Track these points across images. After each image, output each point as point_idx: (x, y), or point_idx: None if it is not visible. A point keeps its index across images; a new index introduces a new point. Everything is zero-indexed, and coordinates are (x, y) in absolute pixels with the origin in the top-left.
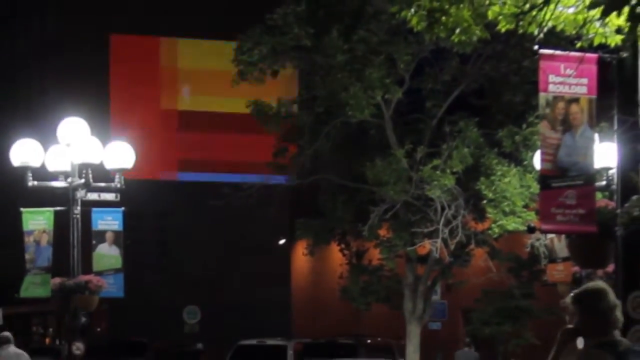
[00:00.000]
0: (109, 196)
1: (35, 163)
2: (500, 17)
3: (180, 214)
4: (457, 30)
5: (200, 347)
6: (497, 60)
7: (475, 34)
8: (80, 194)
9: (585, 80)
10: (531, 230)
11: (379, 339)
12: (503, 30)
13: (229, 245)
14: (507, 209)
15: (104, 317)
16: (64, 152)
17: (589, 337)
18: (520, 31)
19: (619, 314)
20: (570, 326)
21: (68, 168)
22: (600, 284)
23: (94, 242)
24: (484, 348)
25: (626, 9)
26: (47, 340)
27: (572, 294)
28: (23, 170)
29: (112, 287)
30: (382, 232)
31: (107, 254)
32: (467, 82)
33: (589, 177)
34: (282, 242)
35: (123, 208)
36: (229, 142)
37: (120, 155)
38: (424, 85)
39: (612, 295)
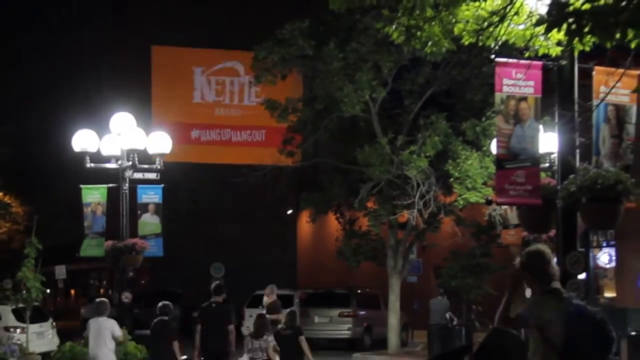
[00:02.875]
0: (151, 175)
1: (92, 149)
2: (464, 33)
3: (208, 190)
4: (430, 43)
5: (223, 296)
6: (461, 66)
7: (444, 46)
8: (128, 173)
9: (532, 83)
10: (489, 202)
11: (367, 289)
12: (466, 43)
13: (247, 215)
14: (469, 186)
15: (147, 273)
16: (115, 140)
17: (535, 288)
18: (480, 44)
19: (555, 267)
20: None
21: (118, 153)
22: (538, 246)
23: (139, 212)
24: (452, 297)
25: (564, 26)
26: (102, 290)
27: (520, 256)
28: (82, 154)
29: (153, 248)
30: (370, 204)
31: (150, 222)
32: (438, 84)
33: (535, 160)
34: (289, 212)
35: (162, 185)
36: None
37: (160, 142)
38: (403, 87)
39: (547, 254)
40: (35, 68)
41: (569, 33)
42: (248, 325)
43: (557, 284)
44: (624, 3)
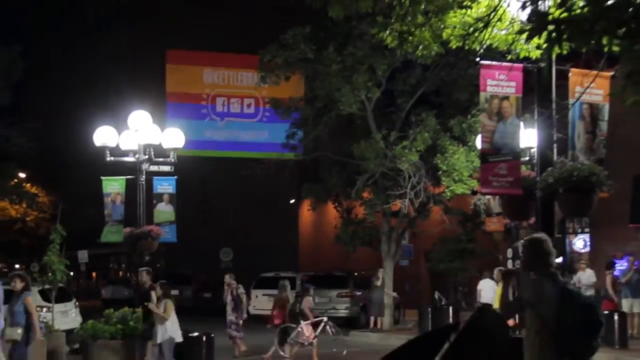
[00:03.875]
0: (166, 168)
1: (112, 144)
2: (452, 38)
3: (217, 181)
4: (420, 47)
5: None
6: (449, 68)
7: (433, 49)
8: (144, 166)
9: (513, 84)
10: (474, 193)
11: (363, 272)
12: (454, 46)
13: (254, 204)
14: (456, 178)
15: (162, 257)
16: (133, 135)
17: (535, 270)
18: (467, 47)
19: (553, 258)
20: (502, 268)
21: (136, 147)
22: (539, 234)
23: (154, 201)
24: (440, 280)
25: (544, 33)
26: (121, 273)
27: (523, 240)
28: (103, 149)
29: (167, 234)
30: (365, 194)
31: (164, 210)
32: (428, 85)
33: (516, 154)
34: (292, 201)
35: (176, 177)
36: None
37: (173, 138)
38: (396, 87)
39: (543, 242)
40: (60, 69)
41: (548, 40)
42: (255, 305)
43: (554, 270)
44: (598, 12)
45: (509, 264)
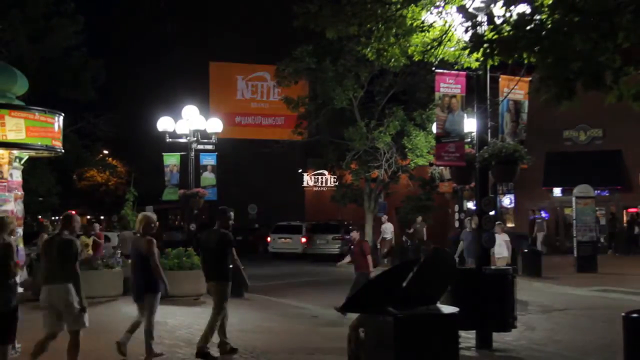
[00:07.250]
0: (209, 147)
1: (170, 129)
2: (415, 53)
3: (246, 156)
4: (392, 60)
5: (257, 226)
6: (413, 75)
7: (401, 61)
8: (193, 145)
9: (459, 86)
10: (431, 164)
11: (351, 221)
12: (416, 59)
13: (272, 172)
14: (418, 154)
15: (206, 211)
16: (185, 123)
17: None
18: (426, 60)
19: None
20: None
21: (187, 132)
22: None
23: (201, 170)
24: (406, 227)
25: (481, 50)
26: (177, 222)
27: None
28: (163, 133)
29: (210, 194)
30: (353, 166)
31: (208, 177)
32: (397, 87)
33: (461, 136)
34: (300, 170)
35: (216, 153)
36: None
37: (215, 125)
38: (374, 88)
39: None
40: (134, 75)
41: (484, 54)
42: (273, 246)
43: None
44: (520, 34)
45: (456, 216)
